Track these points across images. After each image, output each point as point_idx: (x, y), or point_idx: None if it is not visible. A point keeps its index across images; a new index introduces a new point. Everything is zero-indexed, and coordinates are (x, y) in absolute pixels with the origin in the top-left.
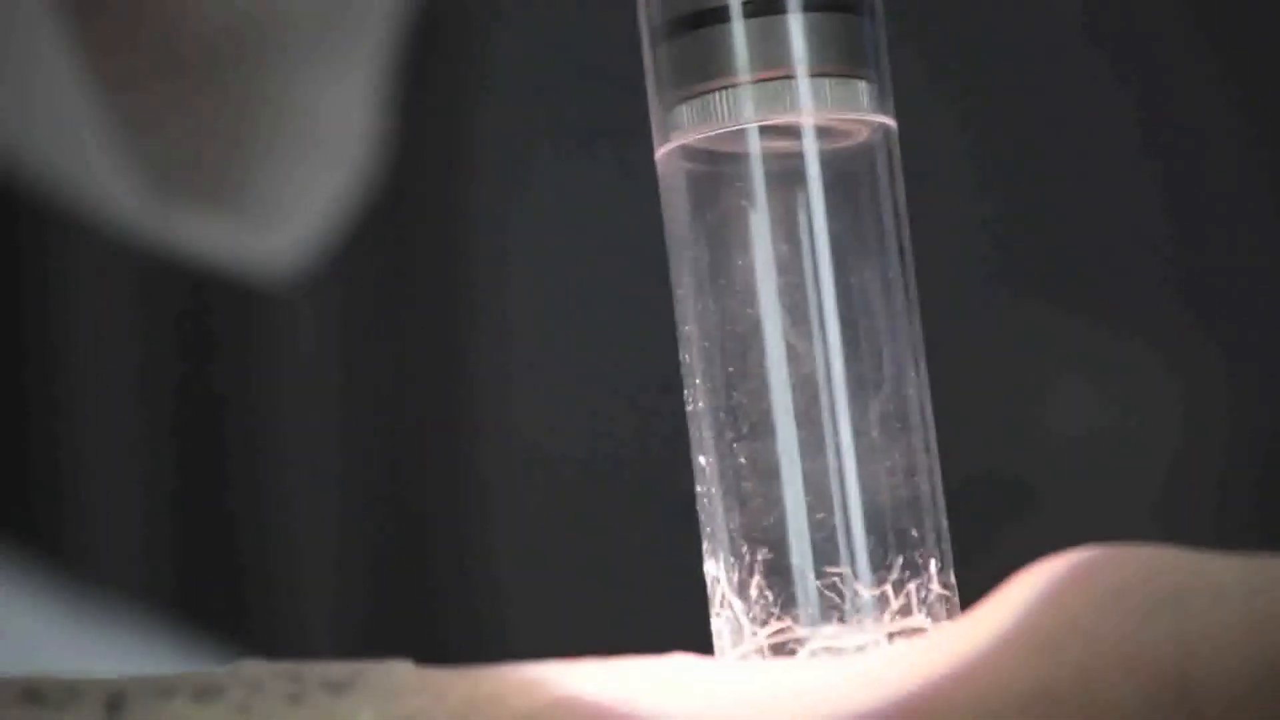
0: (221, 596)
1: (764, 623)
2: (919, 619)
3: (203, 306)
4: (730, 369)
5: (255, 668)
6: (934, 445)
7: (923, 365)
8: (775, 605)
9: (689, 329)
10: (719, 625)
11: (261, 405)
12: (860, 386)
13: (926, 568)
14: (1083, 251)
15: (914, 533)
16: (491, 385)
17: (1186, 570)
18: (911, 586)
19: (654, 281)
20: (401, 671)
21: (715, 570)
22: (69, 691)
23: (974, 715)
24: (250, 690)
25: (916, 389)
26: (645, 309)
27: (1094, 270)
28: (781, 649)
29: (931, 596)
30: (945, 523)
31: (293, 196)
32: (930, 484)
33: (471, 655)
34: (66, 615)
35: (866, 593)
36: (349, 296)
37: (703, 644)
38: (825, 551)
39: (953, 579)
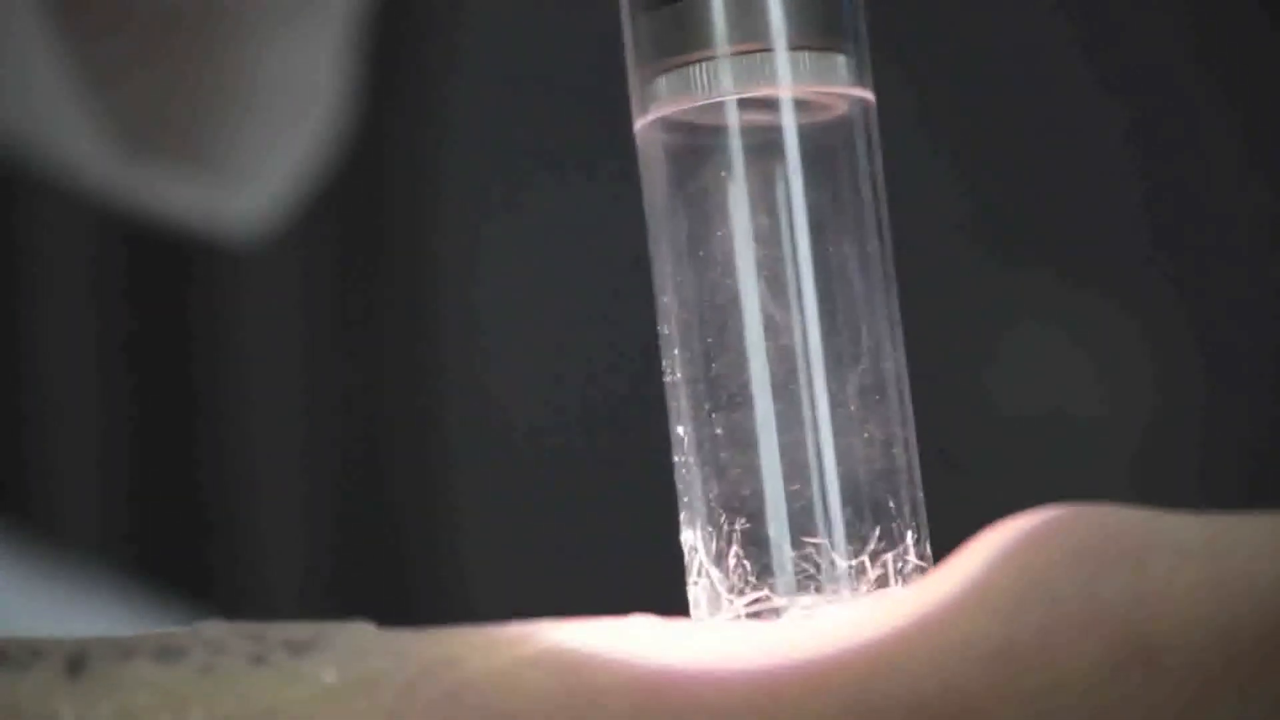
0: (184, 556)
1: (741, 592)
2: (896, 590)
3: (166, 264)
4: (708, 340)
5: (217, 628)
6: (911, 418)
7: (900, 338)
8: (752, 574)
9: (667, 300)
10: (696, 594)
11: (226, 363)
12: (838, 359)
13: (903, 539)
14: (1056, 224)
15: (890, 504)
16: (461, 347)
17: (1148, 530)
18: (888, 557)
19: (631, 247)
20: (363, 633)
21: (693, 539)
22: (30, 652)
23: (933, 673)
24: (212, 651)
25: (894, 362)
26: (622, 274)
27: (1067, 243)
28: (758, 619)
29: (908, 568)
30: (921, 495)
31: (258, 156)
32: (907, 456)
33: (435, 618)
34: (28, 575)
35: (843, 563)
36: (317, 256)
37: (680, 613)
38: (802, 522)
39: (929, 550)
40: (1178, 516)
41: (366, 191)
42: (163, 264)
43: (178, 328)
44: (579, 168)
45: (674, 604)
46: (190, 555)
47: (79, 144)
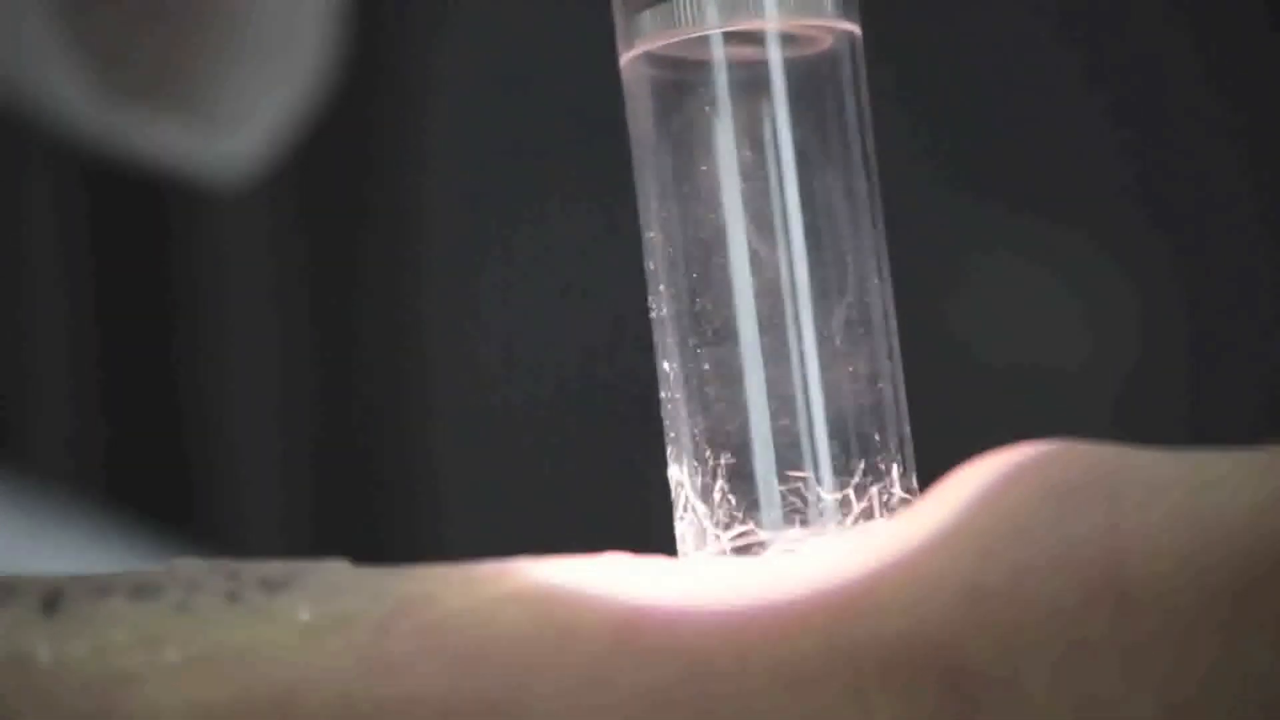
0: (161, 494)
1: (727, 526)
2: (870, 527)
3: (147, 205)
4: (694, 275)
5: (192, 566)
6: (897, 351)
7: (886, 272)
8: (738, 509)
9: (653, 235)
10: (683, 529)
11: (206, 303)
12: (824, 292)
13: (889, 472)
14: (1038, 161)
15: (876, 438)
16: (444, 289)
17: (1120, 466)
18: (874, 491)
19: (619, 183)
20: (339, 571)
21: (679, 475)
22: (5, 589)
23: (906, 612)
24: (187, 589)
25: (880, 295)
26: (609, 210)
27: (1049, 181)
28: (745, 553)
29: (894, 501)
30: (908, 428)
31: (245, 99)
32: (893, 390)
33: (412, 556)
34: (3, 512)
35: (829, 497)
36: (301, 199)
37: (666, 549)
38: (788, 456)
39: (915, 484)
40: (1151, 453)
41: (351, 138)
42: (143, 204)
43: (155, 265)
44: (570, 117)
45: (659, 541)
46: (166, 492)
47: (65, 87)
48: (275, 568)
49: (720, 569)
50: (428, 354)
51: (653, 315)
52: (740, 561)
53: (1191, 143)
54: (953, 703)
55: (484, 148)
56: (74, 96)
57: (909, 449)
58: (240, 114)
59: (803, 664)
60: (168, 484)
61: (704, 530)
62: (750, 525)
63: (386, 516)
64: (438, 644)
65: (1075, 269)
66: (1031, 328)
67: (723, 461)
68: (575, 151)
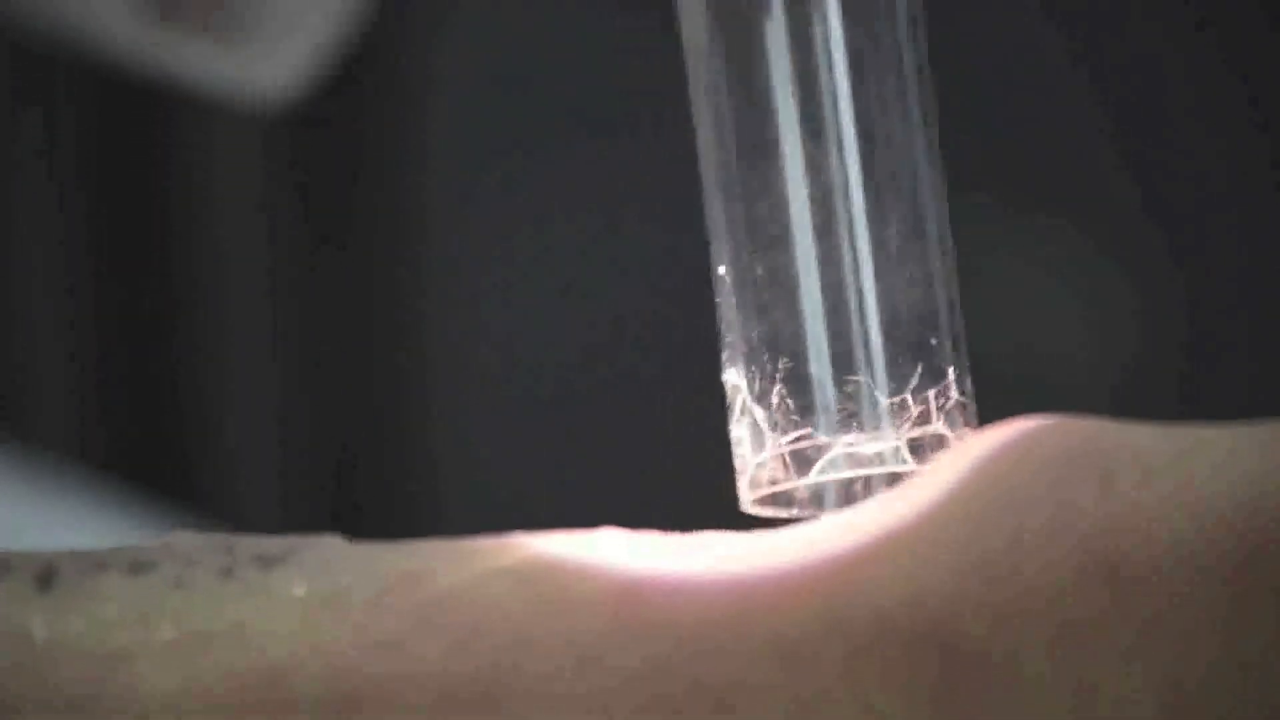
0: (157, 466)
1: (785, 430)
2: (938, 426)
3: (144, 155)
4: (748, 181)
5: (187, 541)
6: (951, 254)
7: (940, 175)
8: (795, 413)
9: (706, 139)
10: (739, 433)
11: (205, 277)
12: (878, 196)
13: (945, 375)
14: (1036, 153)
15: (933, 341)
16: (448, 235)
17: (1117, 443)
18: (930, 394)
19: (655, 98)
20: (334, 546)
21: (735, 379)
22: (0, 565)
23: (902, 585)
24: (182, 564)
25: (934, 198)
26: (609, 209)
27: (1047, 174)
28: (801, 455)
29: (950, 404)
30: (962, 331)
31: (284, 24)
32: (948, 292)
33: (408, 531)
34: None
35: (885, 400)
36: (308, 148)
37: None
38: (844, 360)
39: (970, 386)
40: (1148, 429)
41: (356, 79)
42: (137, 149)
43: (150, 222)
44: (585, 55)
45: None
46: (163, 464)
47: (105, 10)
48: (270, 543)
49: (715, 543)
50: (427, 326)
51: (707, 222)
52: (734, 536)
53: (1189, 137)
54: (947, 675)
55: (496, 91)
56: (118, 20)
57: (964, 352)
58: (278, 36)
59: (798, 637)
60: (164, 456)
61: (761, 433)
62: (807, 428)
63: (384, 490)
64: (433, 620)
65: (1073, 262)
66: (1029, 320)
67: (779, 365)
68: (598, 82)
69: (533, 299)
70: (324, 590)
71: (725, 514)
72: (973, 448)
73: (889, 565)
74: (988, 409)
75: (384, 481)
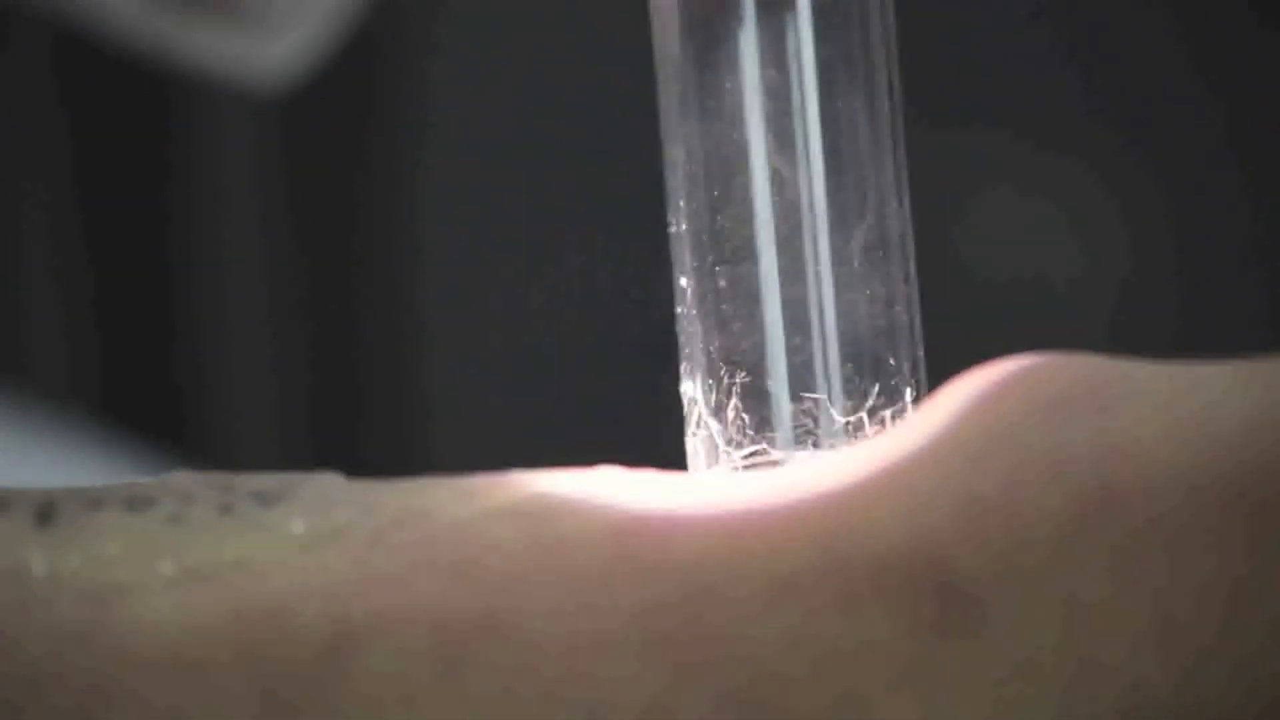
0: (152, 406)
1: (740, 445)
2: (866, 439)
3: (146, 114)
4: (714, 193)
5: (185, 479)
6: (914, 276)
7: (906, 197)
8: (751, 427)
9: (674, 151)
10: (695, 446)
11: (200, 216)
12: (843, 214)
13: (902, 396)
14: (1022, 81)
15: (891, 361)
16: (444, 205)
17: (1114, 378)
18: (887, 414)
19: (631, 100)
20: (332, 483)
21: (693, 391)
22: None
23: (900, 523)
24: (181, 501)
25: (898, 220)
26: (623, 127)
27: (1034, 101)
28: (755, 471)
29: None
30: (922, 354)
31: (287, 7)
32: (909, 314)
33: (405, 470)
34: None
35: (841, 418)
36: (304, 114)
37: (676, 467)
38: (802, 376)
39: None
40: (1145, 365)
41: (353, 53)
42: (145, 114)
43: (149, 181)
44: (581, 22)
45: (669, 458)
46: (158, 405)
47: None
48: (269, 480)
49: (712, 480)
50: (423, 269)
51: (670, 230)
52: (733, 474)
53: (1180, 62)
54: (945, 611)
55: (493, 61)
56: (123, 1)
57: (923, 373)
58: (287, 19)
59: (795, 575)
60: (160, 397)
61: (716, 447)
62: (763, 444)
63: (380, 428)
64: (432, 557)
65: (1067, 191)
66: (1019, 247)
67: (737, 380)
68: (607, 65)
69: (522, 267)
70: (323, 527)
71: None
72: (970, 385)
73: (887, 502)
74: (983, 342)
75: (380, 426)
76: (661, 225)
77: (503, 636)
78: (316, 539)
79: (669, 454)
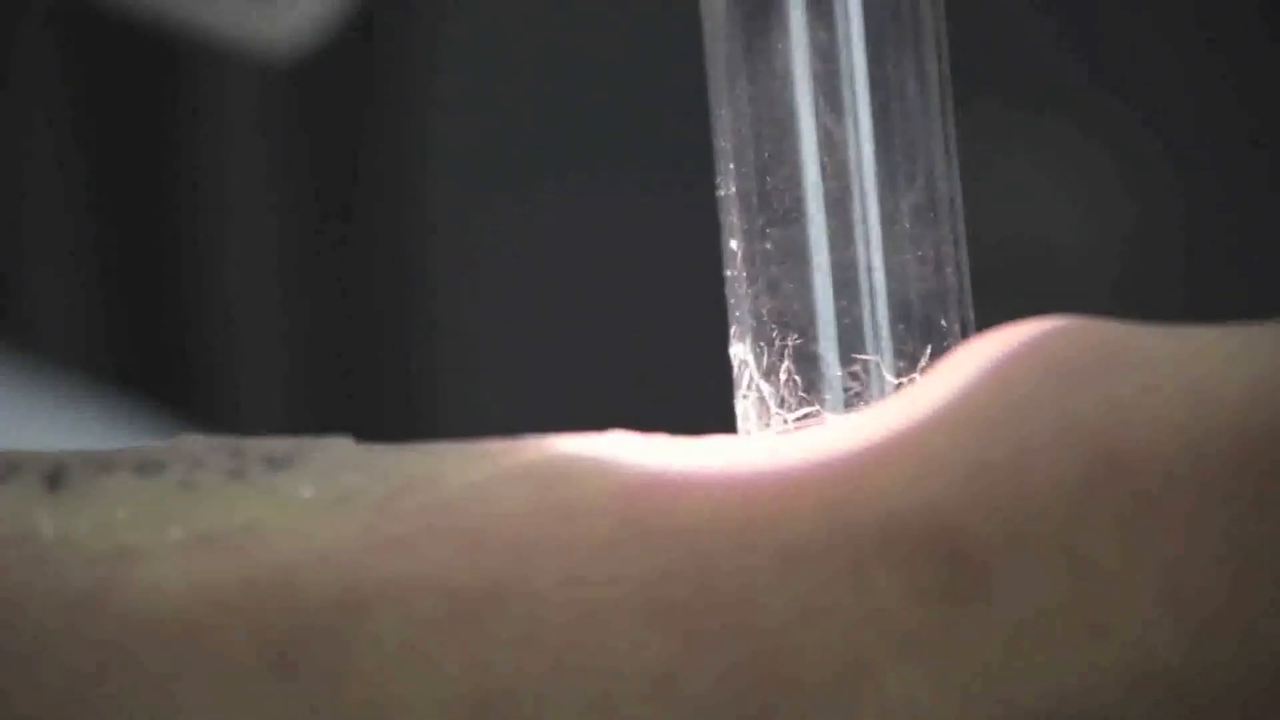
0: (161, 371)
1: (791, 407)
2: (876, 404)
3: (153, 81)
4: (764, 154)
5: (195, 443)
6: (963, 239)
7: (955, 160)
8: (802, 389)
9: (723, 113)
10: (745, 408)
11: (205, 172)
12: (892, 176)
13: None
14: (1034, 52)
15: (942, 323)
16: (475, 166)
17: (1121, 343)
18: None
19: (678, 62)
20: (342, 448)
21: (743, 353)
22: (8, 465)
23: (909, 488)
24: (191, 465)
25: (948, 182)
26: (670, 89)
27: (1044, 74)
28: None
29: None
30: (972, 315)
31: None
32: (959, 277)
33: (415, 435)
34: (4, 393)
35: (892, 380)
36: (315, 81)
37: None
38: (853, 338)
39: None
40: (1152, 329)
41: (360, 58)
42: (145, 78)
43: (157, 144)
44: (603, 18)
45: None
46: (167, 368)
47: None
48: (278, 445)
49: (723, 446)
50: (433, 234)
51: (719, 193)
52: (743, 440)
53: (1184, 24)
54: (954, 577)
55: (496, 96)
56: None
57: (973, 335)
58: None
59: (804, 541)
60: (167, 361)
61: (767, 409)
62: (814, 406)
63: (390, 393)
64: (441, 522)
65: (1074, 161)
66: (1024, 211)
67: (788, 342)
68: (629, 48)
69: (537, 233)
70: (333, 492)
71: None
72: (978, 350)
73: (896, 467)
74: (996, 307)
75: (387, 391)
76: (708, 189)
77: (511, 603)
78: (326, 504)
79: (719, 417)
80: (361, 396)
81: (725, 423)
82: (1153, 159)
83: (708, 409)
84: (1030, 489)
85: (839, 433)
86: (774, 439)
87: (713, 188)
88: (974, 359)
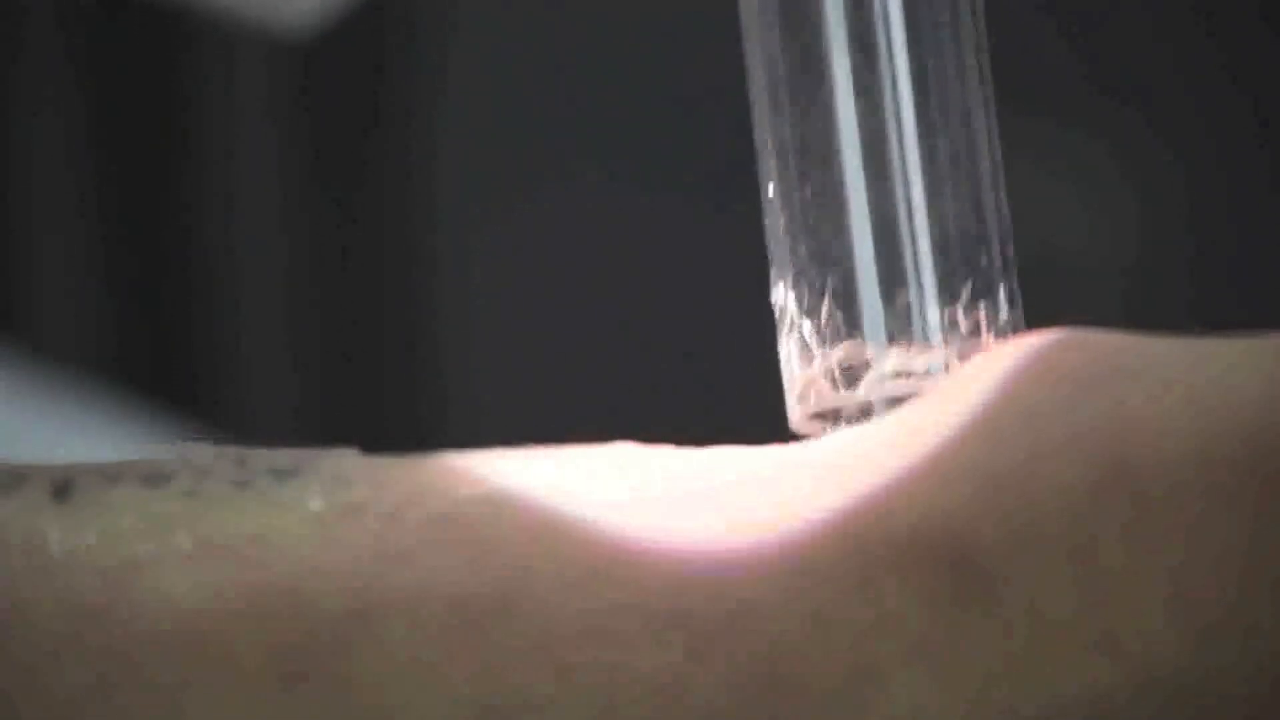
0: (167, 375)
1: (833, 345)
2: (988, 341)
3: (157, 75)
4: (802, 101)
5: (202, 453)
6: (1002, 185)
7: (992, 107)
8: (844, 327)
9: (756, 61)
10: (788, 348)
11: (214, 172)
12: (928, 113)
13: (995, 291)
14: (1038, 56)
15: (982, 259)
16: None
17: (1129, 354)
18: (981, 310)
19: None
20: (348, 459)
21: (782, 296)
22: (16, 477)
23: (918, 498)
24: (197, 475)
25: (985, 128)
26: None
27: (1048, 76)
28: (850, 372)
29: (1001, 321)
30: (1013, 255)
31: None
32: (999, 220)
33: (423, 446)
34: (11, 398)
35: (935, 314)
36: (327, 64)
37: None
38: (894, 274)
39: (1020, 303)
40: (1158, 341)
41: (367, 47)
42: (154, 75)
43: (163, 132)
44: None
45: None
46: (173, 373)
47: None
48: (285, 455)
49: (731, 456)
50: (441, 237)
51: (756, 139)
52: (749, 450)
53: (1190, 31)
54: (962, 585)
55: (506, 74)
56: None
57: (1015, 275)
58: None
59: (813, 553)
60: (174, 365)
61: (809, 348)
62: (857, 341)
63: (398, 403)
64: (448, 534)
65: (1080, 164)
66: (1038, 224)
67: (829, 281)
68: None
69: (556, 215)
70: (339, 503)
71: (776, 432)
72: (987, 363)
73: (905, 479)
74: None
75: (396, 399)
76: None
77: (518, 613)
78: (333, 515)
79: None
80: (370, 406)
81: (734, 433)
82: (1160, 166)
83: (720, 415)
84: (1038, 497)
85: (849, 444)
86: (782, 449)
87: (738, 197)
88: (982, 371)
